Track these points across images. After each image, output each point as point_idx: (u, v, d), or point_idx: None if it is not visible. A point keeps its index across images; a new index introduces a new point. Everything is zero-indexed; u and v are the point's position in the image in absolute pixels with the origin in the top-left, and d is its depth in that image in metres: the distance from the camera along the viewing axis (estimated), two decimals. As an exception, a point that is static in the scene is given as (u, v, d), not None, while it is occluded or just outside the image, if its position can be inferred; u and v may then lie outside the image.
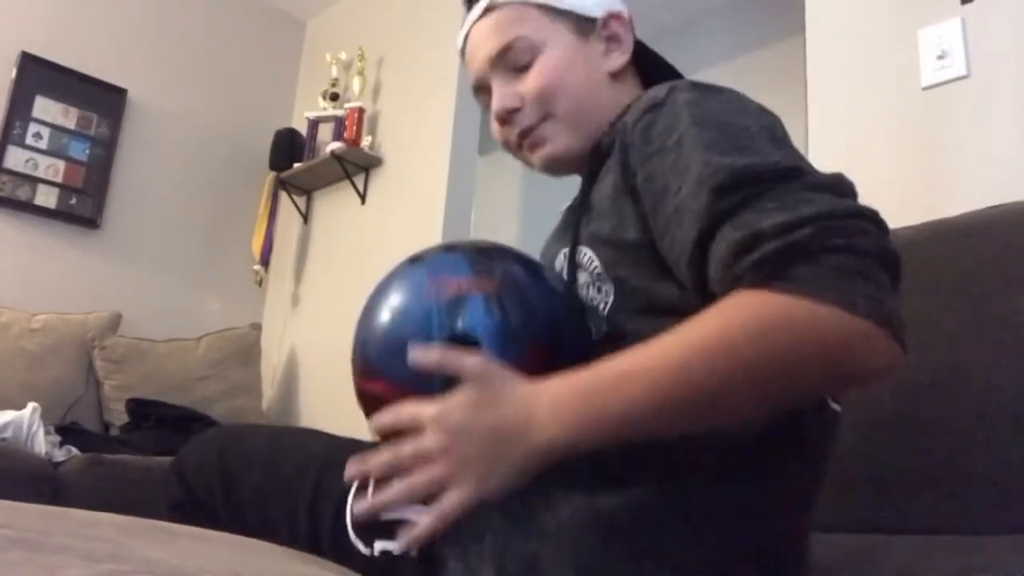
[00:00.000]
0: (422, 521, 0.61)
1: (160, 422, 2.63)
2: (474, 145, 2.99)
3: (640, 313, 0.71)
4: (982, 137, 1.51)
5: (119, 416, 2.73)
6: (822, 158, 1.75)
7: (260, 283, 3.49)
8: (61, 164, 3.07)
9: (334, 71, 3.29)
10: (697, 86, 0.74)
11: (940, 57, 1.59)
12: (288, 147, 3.29)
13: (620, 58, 0.89)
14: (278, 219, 3.48)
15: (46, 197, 3.02)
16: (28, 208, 2.98)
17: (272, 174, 3.34)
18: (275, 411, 3.22)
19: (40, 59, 3.05)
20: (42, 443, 2.18)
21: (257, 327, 3.27)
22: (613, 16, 0.89)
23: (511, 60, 0.86)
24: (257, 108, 3.62)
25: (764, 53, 3.41)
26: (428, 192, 2.88)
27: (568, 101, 0.85)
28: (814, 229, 0.56)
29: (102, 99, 3.18)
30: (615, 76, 0.89)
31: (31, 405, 2.25)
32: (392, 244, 2.97)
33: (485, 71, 0.88)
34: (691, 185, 0.64)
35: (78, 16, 3.19)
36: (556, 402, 0.62)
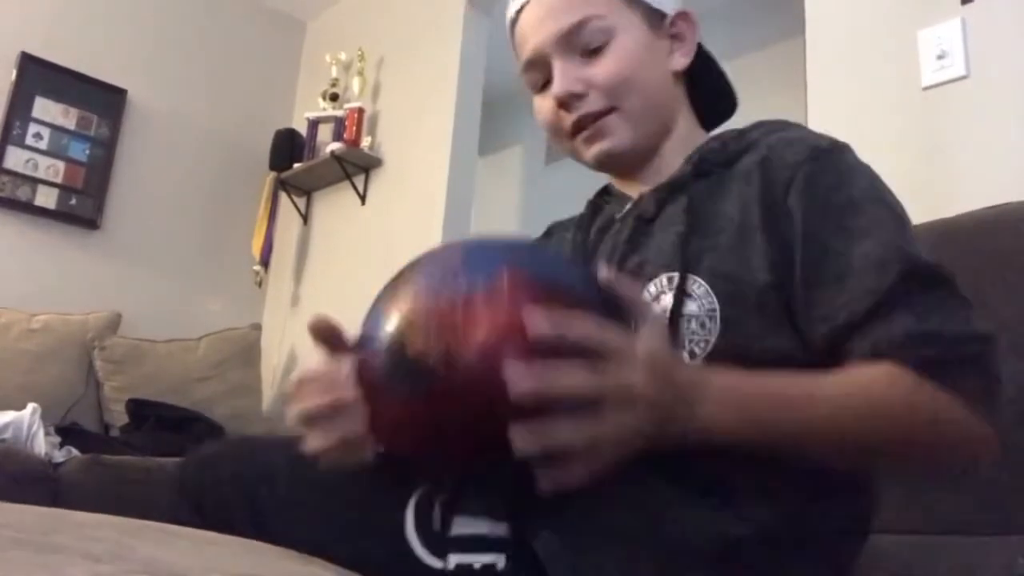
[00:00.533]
0: (574, 469, 0.53)
1: (160, 423, 2.63)
2: (474, 145, 2.99)
3: (744, 359, 0.67)
4: (982, 137, 1.51)
5: (119, 417, 2.73)
6: (822, 158, 1.75)
7: (260, 284, 3.49)
8: (61, 164, 3.07)
9: (334, 71, 3.30)
10: (851, 151, 0.76)
11: (940, 57, 1.59)
12: (288, 147, 3.29)
13: (682, 60, 0.85)
14: (278, 219, 3.48)
15: (46, 197, 3.02)
16: (28, 208, 2.98)
17: (272, 174, 3.34)
18: (276, 412, 3.21)
19: (40, 60, 3.05)
20: (42, 444, 2.18)
21: (257, 328, 3.27)
22: (681, 15, 0.86)
23: (582, 40, 0.80)
24: (257, 108, 3.62)
25: (764, 54, 3.41)
26: (428, 193, 2.88)
27: (639, 96, 0.81)
28: (981, 350, 0.65)
29: (102, 100, 3.18)
30: (674, 77, 0.86)
31: (31, 406, 2.25)
32: (392, 244, 2.97)
33: (548, 46, 0.81)
34: (876, 262, 0.67)
35: (78, 17, 3.19)
36: (724, 390, 0.62)
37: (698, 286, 0.72)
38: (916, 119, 1.61)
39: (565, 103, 0.81)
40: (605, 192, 0.93)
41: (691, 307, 0.72)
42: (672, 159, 0.82)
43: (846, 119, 1.71)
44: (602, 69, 0.80)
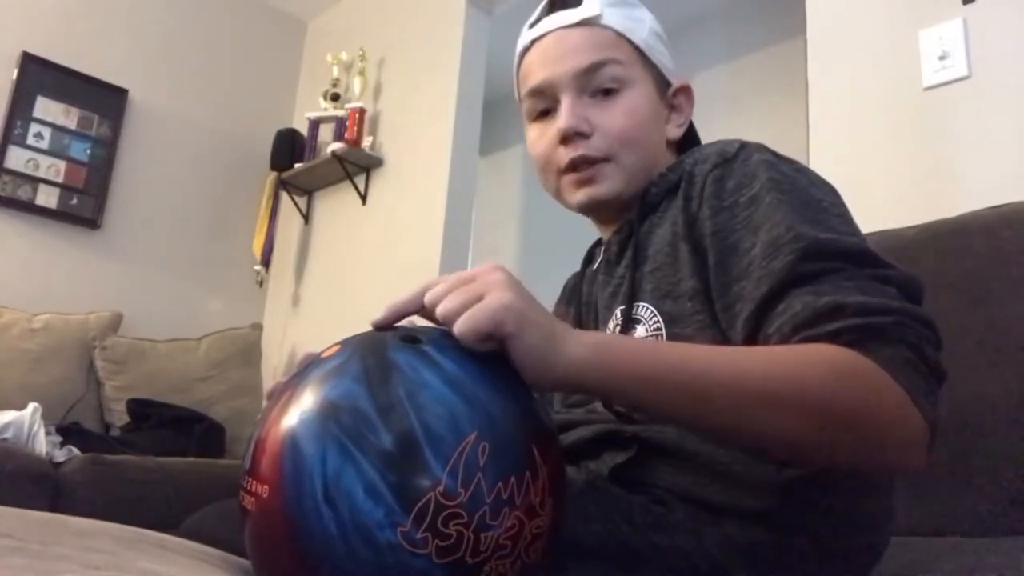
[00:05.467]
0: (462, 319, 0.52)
1: (161, 423, 2.63)
2: (475, 145, 2.99)
3: None
4: (983, 138, 1.51)
5: (120, 416, 2.73)
6: (823, 159, 1.75)
7: (261, 283, 3.49)
8: (62, 164, 3.07)
9: (335, 71, 3.30)
10: (769, 151, 0.73)
11: (941, 57, 1.59)
12: (289, 147, 3.29)
13: (676, 131, 0.87)
14: (279, 219, 3.48)
15: (47, 197, 3.02)
16: (29, 208, 2.98)
17: (273, 174, 3.34)
18: (276, 411, 3.22)
19: (41, 59, 3.05)
20: (43, 443, 2.18)
21: (258, 327, 3.27)
22: (684, 88, 0.87)
23: (596, 81, 0.80)
24: (258, 108, 3.63)
25: (765, 54, 3.41)
26: (429, 192, 2.88)
27: (639, 152, 0.81)
28: (894, 319, 0.58)
29: (103, 99, 3.18)
30: (666, 144, 0.87)
31: (32, 405, 2.25)
32: (393, 244, 2.97)
33: (560, 81, 0.81)
34: (768, 246, 0.64)
35: (79, 16, 3.19)
36: (587, 334, 0.59)
37: (644, 310, 0.75)
38: (917, 119, 1.61)
39: (568, 138, 0.80)
40: (597, 243, 0.95)
41: (639, 331, 0.74)
42: None
43: (847, 119, 1.71)
44: (611, 118, 0.80)
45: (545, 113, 0.83)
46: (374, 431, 0.47)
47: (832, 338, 0.57)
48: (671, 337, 0.71)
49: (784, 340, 0.60)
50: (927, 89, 1.60)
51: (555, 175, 0.84)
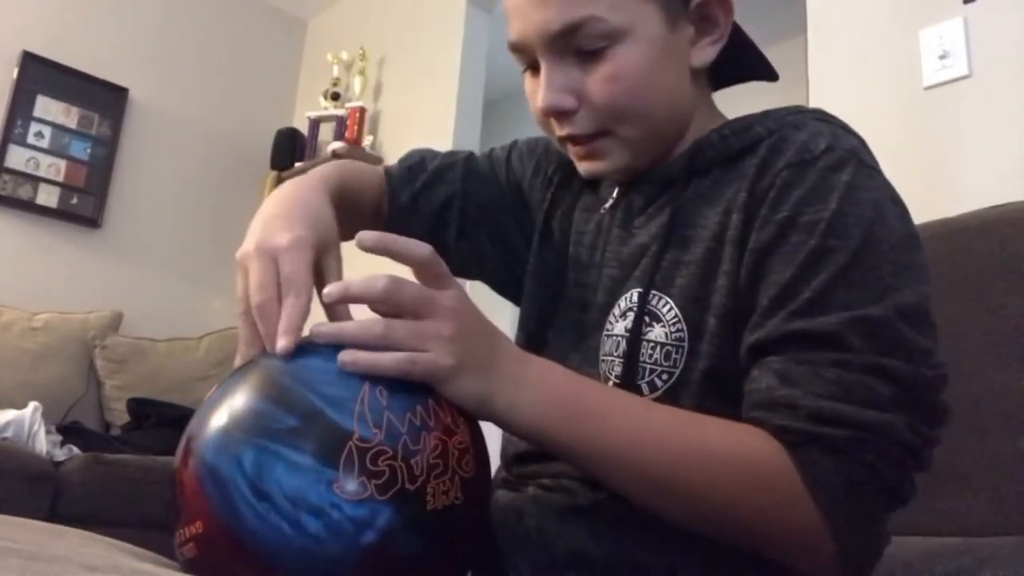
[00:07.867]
0: (384, 356, 0.52)
1: (161, 422, 2.63)
2: (475, 144, 2.99)
3: (709, 394, 0.62)
4: (984, 137, 1.51)
5: (120, 416, 2.73)
6: (823, 158, 1.75)
7: (261, 282, 3.49)
8: (62, 163, 3.07)
9: (335, 70, 3.30)
10: (856, 159, 0.63)
11: (942, 57, 1.59)
12: (289, 146, 3.30)
13: (710, 50, 0.70)
14: (279, 219, 3.48)
15: (47, 196, 3.02)
16: (29, 207, 2.98)
17: (273, 173, 3.34)
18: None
19: (41, 58, 3.05)
20: (43, 442, 2.18)
21: (258, 326, 3.28)
22: None
23: (576, 44, 0.64)
24: (258, 107, 3.63)
25: (765, 53, 3.40)
26: (429, 192, 2.88)
27: (640, 120, 0.67)
28: (850, 435, 0.53)
29: (103, 98, 3.18)
30: (694, 73, 0.70)
31: (32, 404, 2.25)
32: (393, 244, 2.97)
33: (533, 42, 0.66)
34: (781, 290, 0.58)
35: (79, 15, 3.19)
36: (542, 380, 0.57)
37: (667, 307, 0.64)
38: (918, 119, 1.61)
39: (552, 116, 0.68)
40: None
41: (657, 332, 0.64)
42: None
43: (847, 119, 1.70)
44: (596, 87, 0.65)
45: (533, 66, 0.69)
46: (276, 419, 0.48)
47: (778, 432, 0.54)
48: (692, 352, 0.63)
49: (745, 411, 0.58)
50: (928, 88, 1.60)
51: (555, 139, 0.71)
